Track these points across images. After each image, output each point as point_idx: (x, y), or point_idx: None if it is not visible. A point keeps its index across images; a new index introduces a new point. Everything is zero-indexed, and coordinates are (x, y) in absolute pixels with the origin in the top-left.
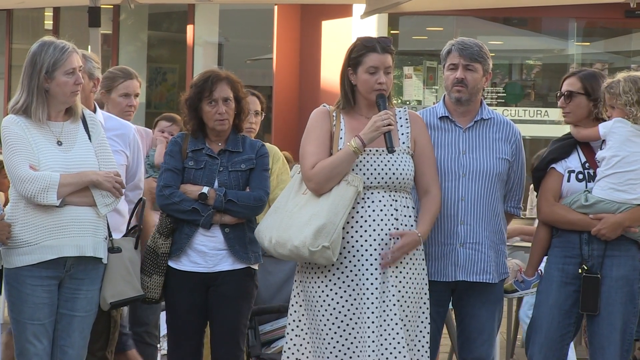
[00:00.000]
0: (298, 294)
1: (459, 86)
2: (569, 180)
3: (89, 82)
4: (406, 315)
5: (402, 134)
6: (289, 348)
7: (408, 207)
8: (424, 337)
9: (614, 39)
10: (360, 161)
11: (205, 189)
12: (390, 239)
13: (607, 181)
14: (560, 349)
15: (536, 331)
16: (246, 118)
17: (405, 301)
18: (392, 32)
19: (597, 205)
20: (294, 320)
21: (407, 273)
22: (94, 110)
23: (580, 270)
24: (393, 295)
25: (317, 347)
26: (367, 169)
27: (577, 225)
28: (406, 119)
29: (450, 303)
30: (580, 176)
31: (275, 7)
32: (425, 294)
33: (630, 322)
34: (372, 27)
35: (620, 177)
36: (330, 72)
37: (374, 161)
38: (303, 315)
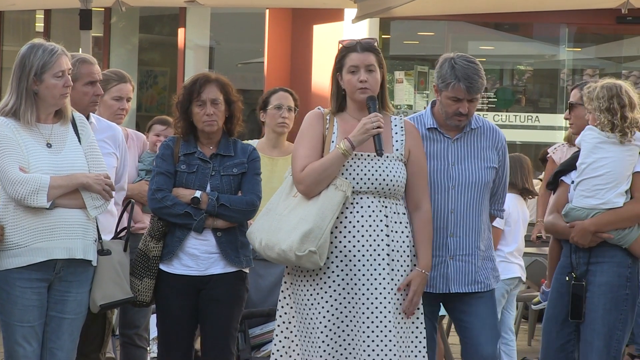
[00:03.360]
0: (288, 296)
1: (461, 117)
2: (570, 191)
3: None
4: (398, 322)
5: (397, 141)
6: (277, 350)
7: (399, 213)
8: (420, 342)
9: (605, 45)
10: (351, 165)
11: (197, 193)
12: (401, 291)
13: (578, 189)
14: (564, 357)
15: (542, 338)
16: (238, 122)
17: (400, 306)
18: (383, 36)
19: (571, 213)
20: (283, 322)
21: (400, 278)
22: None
23: (567, 278)
24: (389, 302)
25: (308, 352)
26: (357, 174)
27: (562, 235)
28: (401, 127)
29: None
30: None
31: (267, 11)
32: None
33: (616, 329)
34: (364, 31)
35: (588, 183)
36: (322, 76)
37: (364, 166)
38: (293, 317)
